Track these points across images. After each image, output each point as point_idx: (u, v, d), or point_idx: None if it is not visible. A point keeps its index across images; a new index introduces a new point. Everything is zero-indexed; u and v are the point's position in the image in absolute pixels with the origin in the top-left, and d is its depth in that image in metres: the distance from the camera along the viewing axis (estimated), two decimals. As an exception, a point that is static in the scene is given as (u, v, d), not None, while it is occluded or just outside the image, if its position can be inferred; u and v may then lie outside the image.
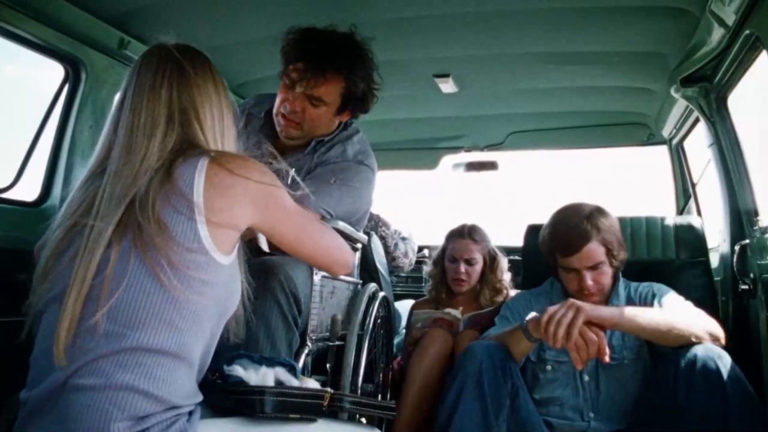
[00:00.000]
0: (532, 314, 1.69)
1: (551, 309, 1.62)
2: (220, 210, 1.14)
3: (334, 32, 1.87)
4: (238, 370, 1.22)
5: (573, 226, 1.89)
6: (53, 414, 1.06)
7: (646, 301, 1.93)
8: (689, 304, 1.85)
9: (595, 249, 1.88)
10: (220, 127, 1.27)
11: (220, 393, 1.21)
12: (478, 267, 2.60)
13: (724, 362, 1.55)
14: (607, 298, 1.98)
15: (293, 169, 1.83)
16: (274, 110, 1.91)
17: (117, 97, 1.28)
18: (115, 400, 1.03)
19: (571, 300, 1.63)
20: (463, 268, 2.57)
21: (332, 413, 1.24)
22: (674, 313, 1.73)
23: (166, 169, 1.14)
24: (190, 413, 1.13)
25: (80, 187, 1.23)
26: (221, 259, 1.14)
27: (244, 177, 1.17)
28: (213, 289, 1.14)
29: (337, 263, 1.53)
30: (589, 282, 1.89)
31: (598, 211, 1.93)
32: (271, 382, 1.22)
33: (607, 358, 1.57)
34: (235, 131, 1.32)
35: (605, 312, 1.62)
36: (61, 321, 1.07)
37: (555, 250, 1.93)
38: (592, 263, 1.89)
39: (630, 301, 1.96)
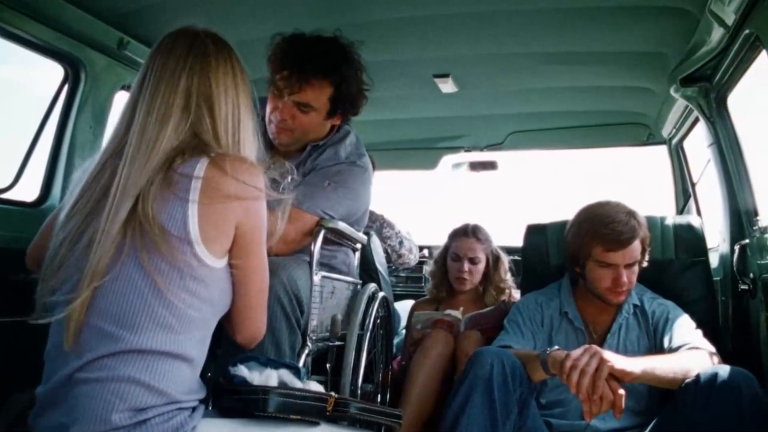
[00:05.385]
0: (555, 348, 1.65)
1: (574, 354, 1.57)
2: (214, 218, 1.15)
3: (318, 37, 1.88)
4: (242, 370, 1.23)
5: (622, 221, 1.87)
6: (62, 407, 1.09)
7: (657, 327, 1.92)
8: (699, 333, 1.84)
9: (637, 246, 1.89)
10: (234, 120, 1.26)
11: (225, 393, 1.22)
12: (481, 266, 2.60)
13: (749, 383, 1.52)
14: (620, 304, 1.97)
15: (292, 175, 1.85)
16: (266, 118, 1.92)
17: (138, 75, 1.28)
18: (117, 392, 1.07)
19: (594, 347, 1.58)
20: (466, 266, 2.57)
21: (336, 417, 1.24)
22: (689, 360, 1.69)
23: (165, 172, 1.15)
24: (193, 409, 1.15)
25: (97, 169, 1.22)
26: (214, 264, 1.16)
27: (239, 180, 1.17)
28: (206, 291, 1.16)
29: (262, 316, 1.32)
30: (625, 279, 1.88)
31: (634, 211, 1.93)
32: (274, 383, 1.22)
33: (619, 415, 1.54)
34: (253, 125, 1.31)
35: (627, 366, 1.56)
36: (73, 306, 1.09)
37: (598, 243, 1.89)
38: (633, 260, 1.89)
39: (641, 315, 1.96)
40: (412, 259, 3.36)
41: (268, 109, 1.91)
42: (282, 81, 1.85)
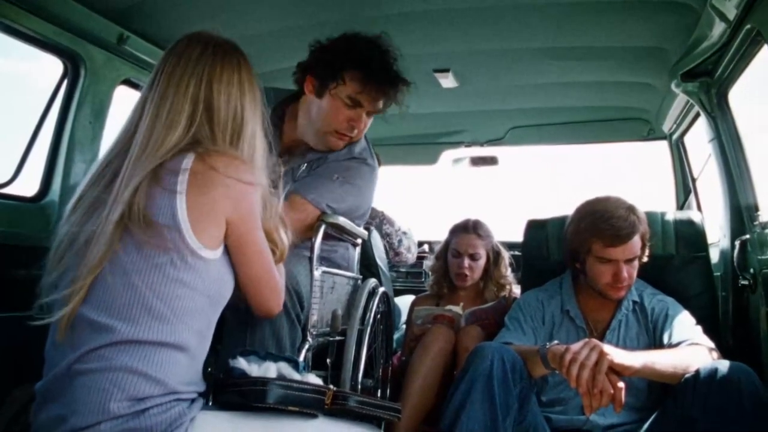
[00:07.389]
0: (555, 343, 1.65)
1: (573, 348, 1.57)
2: (203, 212, 1.16)
3: (384, 46, 1.91)
4: (241, 363, 1.24)
5: (622, 217, 1.87)
6: (62, 399, 1.10)
7: (656, 323, 1.91)
8: (699, 329, 1.83)
9: (637, 242, 1.89)
10: (234, 128, 1.27)
11: (224, 386, 1.22)
12: (482, 262, 2.60)
13: (750, 379, 1.52)
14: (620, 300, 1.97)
15: (290, 167, 1.88)
16: (327, 128, 1.90)
17: (150, 76, 1.30)
18: (115, 381, 1.08)
19: (593, 341, 1.58)
20: (466, 263, 2.57)
21: (335, 411, 1.24)
22: (689, 355, 1.69)
23: (154, 170, 1.17)
24: (192, 401, 1.16)
25: (102, 165, 1.25)
26: (207, 255, 1.18)
27: (226, 175, 1.19)
28: (202, 283, 1.17)
29: (273, 294, 1.38)
30: (625, 274, 1.88)
31: (634, 206, 1.93)
32: (272, 375, 1.23)
33: (619, 409, 1.53)
34: (260, 132, 1.32)
35: (626, 360, 1.56)
36: (68, 300, 1.11)
37: (598, 239, 1.89)
38: (632, 255, 1.89)
39: (640, 312, 1.96)
40: (410, 258, 3.36)
41: (335, 119, 1.89)
42: (380, 96, 1.89)
